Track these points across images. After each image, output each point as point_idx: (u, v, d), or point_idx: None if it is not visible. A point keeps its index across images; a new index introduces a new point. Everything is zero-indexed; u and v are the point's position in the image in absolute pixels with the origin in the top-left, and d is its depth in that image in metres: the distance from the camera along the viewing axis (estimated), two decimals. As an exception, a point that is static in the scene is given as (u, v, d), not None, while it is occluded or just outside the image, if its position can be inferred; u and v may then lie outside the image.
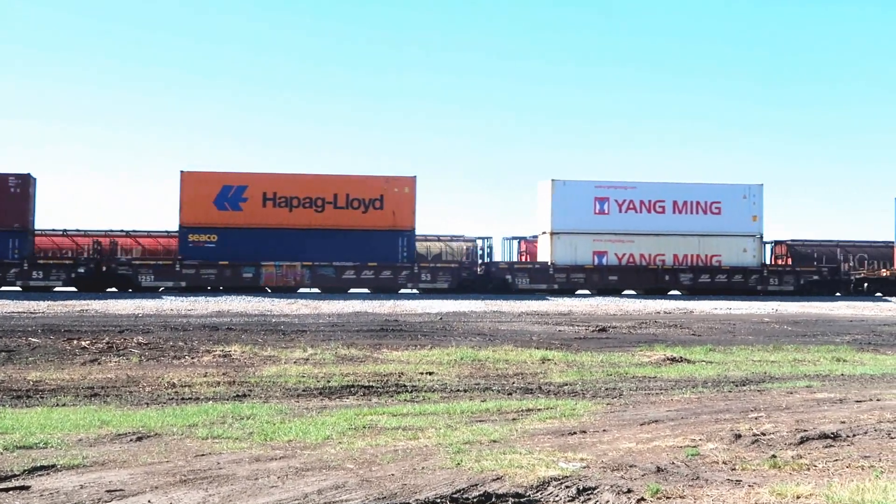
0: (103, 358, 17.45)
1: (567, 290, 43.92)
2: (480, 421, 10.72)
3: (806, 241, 48.66)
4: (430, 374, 15.57)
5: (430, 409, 11.68)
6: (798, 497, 6.78)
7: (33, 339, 20.41)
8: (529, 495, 7.00)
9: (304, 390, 13.57)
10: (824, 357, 19.01)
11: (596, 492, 7.05)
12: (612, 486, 7.14)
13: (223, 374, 15.33)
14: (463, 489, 7.11)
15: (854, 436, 9.41)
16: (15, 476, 7.70)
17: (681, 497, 6.90)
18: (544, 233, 44.32)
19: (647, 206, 43.97)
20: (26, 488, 7.26)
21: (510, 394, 13.45)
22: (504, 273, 44.16)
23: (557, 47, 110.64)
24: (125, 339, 20.58)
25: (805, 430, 9.60)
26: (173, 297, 38.74)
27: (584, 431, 9.97)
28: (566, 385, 14.41)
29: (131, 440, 9.40)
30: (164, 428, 10.07)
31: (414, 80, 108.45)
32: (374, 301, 38.81)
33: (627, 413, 11.45)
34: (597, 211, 43.58)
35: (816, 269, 45.75)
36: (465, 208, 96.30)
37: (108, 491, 7.16)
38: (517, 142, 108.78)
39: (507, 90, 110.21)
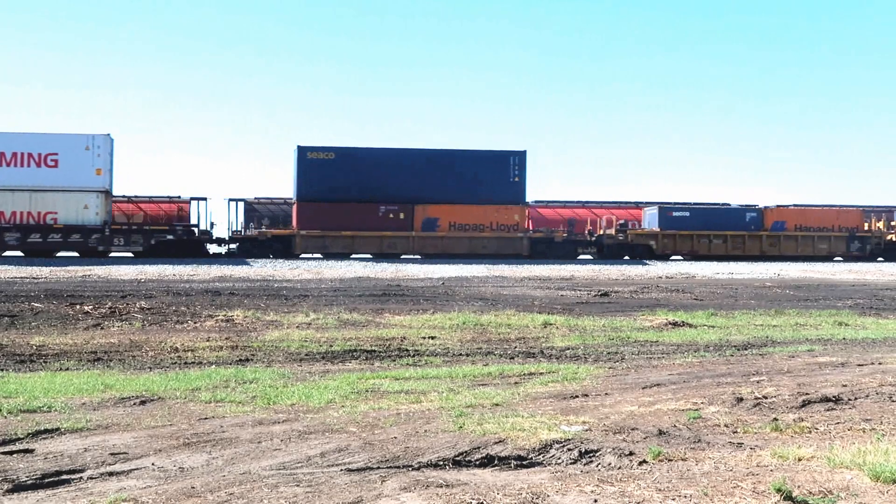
0: (106, 323, 17.48)
1: None
2: (483, 385, 10.74)
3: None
4: (433, 338, 15.60)
5: (432, 373, 11.70)
6: (799, 460, 6.80)
7: (36, 304, 20.45)
8: (532, 458, 7.02)
9: (306, 355, 13.60)
10: (826, 321, 19.02)
11: (598, 454, 7.07)
12: (613, 449, 7.16)
13: (226, 338, 15.36)
14: (465, 452, 7.13)
15: (856, 399, 9.42)
16: (19, 439, 7.73)
17: (682, 460, 6.91)
18: None
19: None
20: (30, 451, 7.29)
21: (512, 358, 13.47)
22: None
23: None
24: (128, 304, 20.61)
25: (807, 394, 9.61)
26: (175, 263, 38.76)
27: (586, 395, 9.98)
28: (568, 349, 14.43)
29: (135, 404, 9.42)
30: (167, 392, 10.10)
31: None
32: (376, 266, 38.83)
33: (629, 377, 11.47)
34: None
35: (170, 229, 43.90)
36: None
37: (111, 454, 7.18)
38: None
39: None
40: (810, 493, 5.86)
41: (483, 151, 46.92)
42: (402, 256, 45.35)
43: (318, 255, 45.43)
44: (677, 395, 9.88)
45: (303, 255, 44.71)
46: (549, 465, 6.88)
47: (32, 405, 9.14)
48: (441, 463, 6.86)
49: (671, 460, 6.89)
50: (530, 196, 49.04)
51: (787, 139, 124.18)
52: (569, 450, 7.17)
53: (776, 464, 6.71)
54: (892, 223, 52.47)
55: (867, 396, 9.56)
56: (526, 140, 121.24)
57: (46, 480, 6.44)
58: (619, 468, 6.70)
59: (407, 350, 14.15)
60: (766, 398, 9.46)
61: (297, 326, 17.08)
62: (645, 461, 6.85)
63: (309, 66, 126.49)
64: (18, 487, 6.25)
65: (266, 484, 6.20)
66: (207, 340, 15.06)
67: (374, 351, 14.00)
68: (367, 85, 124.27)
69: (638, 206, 52.01)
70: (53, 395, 9.79)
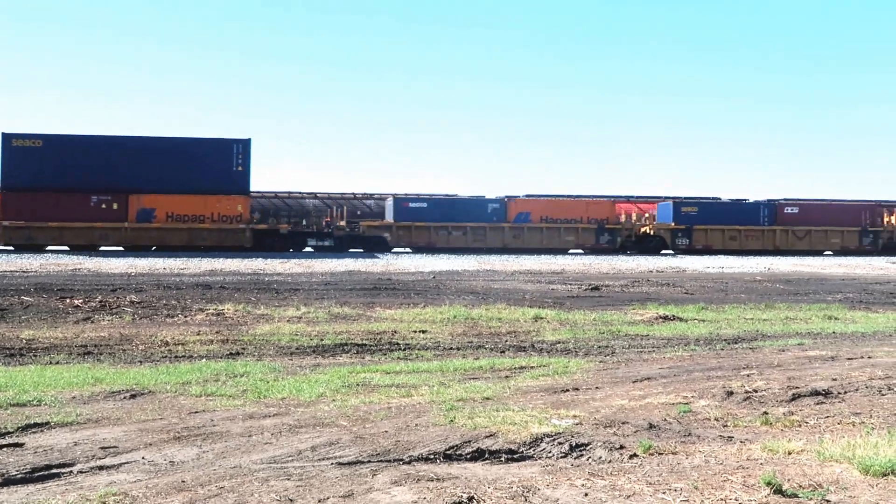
0: (96, 316, 17.44)
1: None
2: (473, 378, 10.74)
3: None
4: (424, 332, 15.60)
5: (423, 366, 11.70)
6: (789, 453, 6.81)
7: (26, 298, 20.39)
8: (522, 451, 7.03)
9: (297, 348, 13.59)
10: (816, 315, 19.07)
11: (588, 448, 7.08)
12: (604, 443, 7.17)
13: (216, 332, 15.33)
14: (456, 446, 7.13)
15: (845, 393, 9.45)
16: (9, 433, 7.70)
17: (673, 453, 6.92)
18: None
19: None
20: (20, 445, 7.26)
21: (503, 352, 13.48)
22: None
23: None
24: (118, 298, 20.56)
25: (797, 388, 9.64)
26: (165, 256, 38.70)
27: (577, 389, 10.00)
28: (559, 343, 14.44)
29: (125, 398, 9.41)
30: (157, 385, 10.08)
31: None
32: (366, 260, 38.82)
33: (620, 370, 11.48)
34: None
35: None
36: None
37: (101, 448, 7.17)
38: None
39: None
40: (800, 486, 5.88)
41: (204, 139, 45.69)
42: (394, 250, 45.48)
43: (308, 249, 45.49)
44: (668, 388, 9.90)
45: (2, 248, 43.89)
46: (539, 458, 6.89)
47: (22, 399, 9.12)
48: (432, 457, 6.86)
49: (662, 454, 6.90)
50: (268, 185, 48.25)
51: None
52: (559, 443, 7.17)
53: (766, 457, 6.73)
54: (646, 216, 51.82)
55: (857, 390, 9.59)
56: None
57: (36, 474, 6.42)
58: (610, 462, 6.71)
59: (398, 344, 14.14)
60: (756, 392, 9.49)
61: (288, 320, 17.06)
62: (635, 455, 6.86)
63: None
64: (8, 482, 6.23)
65: (257, 478, 6.19)
66: (198, 334, 15.03)
67: (365, 345, 14.00)
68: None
69: (383, 197, 50.49)
70: (43, 388, 9.76)
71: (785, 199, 52.77)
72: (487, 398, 9.28)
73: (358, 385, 10.16)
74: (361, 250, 46.81)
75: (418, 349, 13.60)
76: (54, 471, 6.52)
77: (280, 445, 7.25)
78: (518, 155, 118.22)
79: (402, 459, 6.77)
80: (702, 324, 17.31)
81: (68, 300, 19.99)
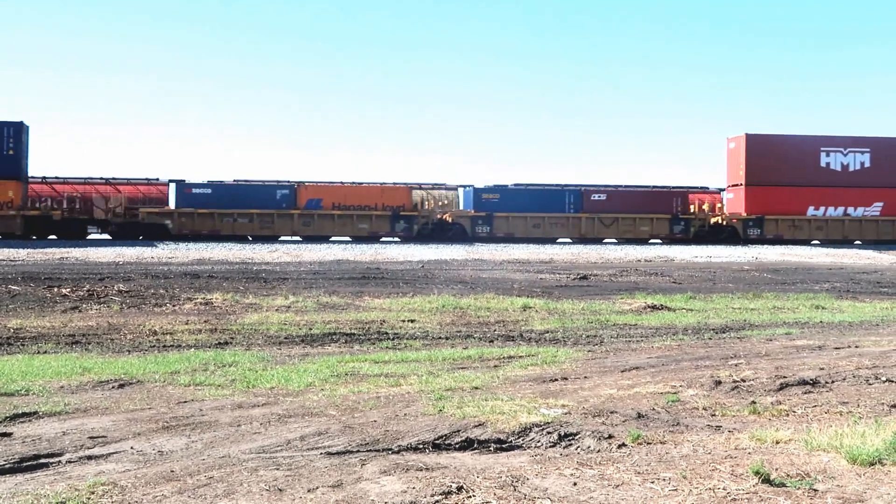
0: (84, 305, 17.40)
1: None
2: (462, 368, 10.75)
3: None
4: (412, 321, 15.60)
5: (411, 356, 11.71)
6: (777, 442, 6.84)
7: (13, 287, 20.32)
8: (511, 441, 7.04)
9: (285, 338, 13.58)
10: (803, 304, 19.14)
11: (577, 437, 7.09)
12: (593, 432, 7.19)
13: (205, 321, 15.31)
14: (445, 435, 7.14)
15: (833, 382, 9.48)
16: (-4, 423, 7.68)
17: (661, 443, 6.94)
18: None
19: None
20: (8, 435, 7.24)
21: (492, 341, 13.49)
22: None
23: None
24: (106, 287, 20.50)
25: (784, 377, 9.67)
26: (154, 245, 38.60)
27: (566, 378, 10.01)
28: (547, 332, 14.46)
29: (113, 387, 9.39)
30: (146, 375, 10.06)
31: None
32: (355, 249, 38.81)
33: (608, 360, 11.51)
34: None
35: None
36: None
37: (90, 437, 7.16)
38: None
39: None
40: (788, 475, 5.90)
41: None
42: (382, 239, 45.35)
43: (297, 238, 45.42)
44: (656, 378, 9.92)
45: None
46: (528, 448, 6.90)
47: (10, 388, 9.09)
48: (421, 446, 6.87)
49: (650, 443, 6.92)
50: (49, 172, 46.28)
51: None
52: (548, 433, 7.19)
53: (754, 446, 6.76)
54: (441, 203, 50.24)
55: (844, 379, 9.63)
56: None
57: (25, 464, 6.40)
58: (599, 451, 6.73)
59: (387, 333, 14.14)
60: (744, 381, 9.52)
61: (277, 309, 17.05)
62: (624, 444, 6.88)
63: None
64: (-4, 471, 6.22)
65: (246, 467, 6.19)
66: (186, 323, 15.01)
67: (354, 334, 13.99)
68: None
69: (164, 183, 48.19)
70: (31, 378, 9.74)
71: (593, 186, 51.05)
72: (476, 388, 9.29)
73: (347, 374, 10.16)
74: (141, 238, 45.13)
75: (407, 339, 13.61)
76: (43, 460, 6.50)
77: (269, 435, 7.25)
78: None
79: (391, 449, 6.77)
80: (690, 313, 17.36)
81: (56, 289, 19.93)
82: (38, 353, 12.00)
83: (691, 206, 51.49)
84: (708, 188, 54.95)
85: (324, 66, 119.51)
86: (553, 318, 16.24)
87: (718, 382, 9.43)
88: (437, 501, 5.42)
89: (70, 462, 6.49)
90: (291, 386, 9.42)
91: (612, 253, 39.70)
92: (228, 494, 5.57)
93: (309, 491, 5.63)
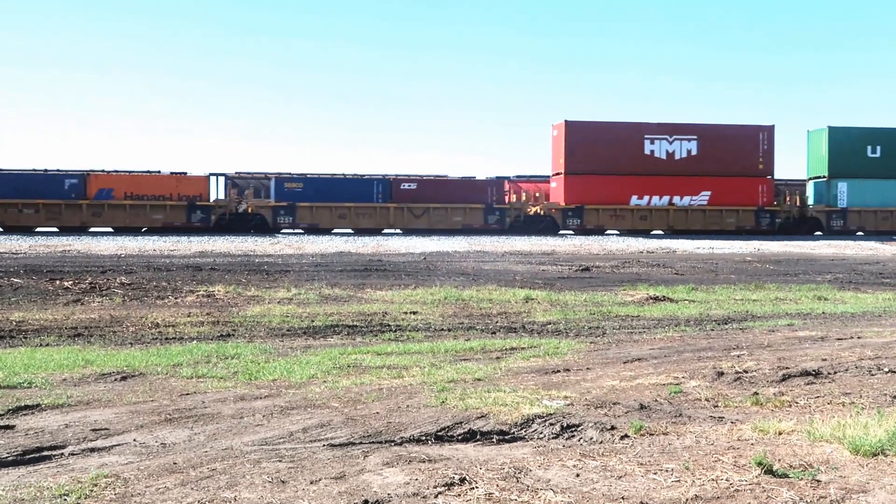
0: (86, 298, 17.40)
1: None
2: (465, 360, 10.75)
3: None
4: (414, 313, 15.60)
5: (414, 348, 11.71)
6: (780, 433, 6.84)
7: (16, 280, 20.33)
8: (514, 432, 7.04)
9: (288, 330, 13.58)
10: (806, 296, 19.13)
11: (580, 429, 7.09)
12: (595, 423, 7.19)
13: (207, 314, 15.32)
14: (447, 427, 7.14)
15: (835, 373, 9.48)
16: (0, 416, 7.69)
17: (664, 434, 6.94)
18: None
19: None
20: (11, 427, 7.25)
21: (494, 333, 13.49)
22: None
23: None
24: (108, 280, 20.52)
25: (787, 368, 9.67)
26: (156, 238, 38.62)
27: (568, 370, 10.01)
28: (550, 324, 14.46)
29: (115, 380, 9.39)
30: (148, 367, 10.07)
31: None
32: (357, 241, 38.82)
33: (611, 351, 11.51)
34: None
35: None
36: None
37: (93, 430, 7.16)
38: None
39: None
40: (791, 466, 5.90)
41: None
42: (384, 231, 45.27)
43: (300, 231, 45.34)
44: (658, 369, 9.92)
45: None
46: (531, 439, 6.90)
47: (12, 381, 9.10)
48: (423, 438, 6.87)
49: (653, 434, 6.92)
50: None
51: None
52: (551, 424, 7.19)
53: (757, 437, 6.76)
54: (245, 192, 47.88)
55: (847, 370, 9.63)
56: None
57: (28, 457, 6.41)
58: (601, 443, 6.73)
59: (389, 325, 14.15)
60: (746, 372, 9.51)
61: (279, 302, 17.05)
62: (627, 435, 6.88)
63: None
64: (-1, 464, 6.23)
65: (248, 459, 6.19)
66: (188, 316, 15.01)
67: (356, 326, 14.00)
68: None
69: None
70: (34, 370, 9.75)
71: (404, 175, 49.21)
72: (479, 379, 9.29)
73: (349, 366, 10.16)
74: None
75: (409, 330, 13.60)
76: (45, 453, 6.51)
77: (271, 427, 7.25)
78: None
79: (393, 441, 6.77)
80: (692, 304, 17.35)
81: (58, 282, 19.94)
82: (41, 345, 12.01)
83: (508, 196, 49.40)
84: (547, 177, 51.97)
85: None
86: (555, 310, 16.23)
87: (721, 373, 9.43)
88: (440, 493, 5.43)
89: (73, 454, 6.49)
90: (294, 378, 9.42)
91: (614, 244, 39.69)
92: (231, 486, 5.57)
93: (312, 483, 5.63)
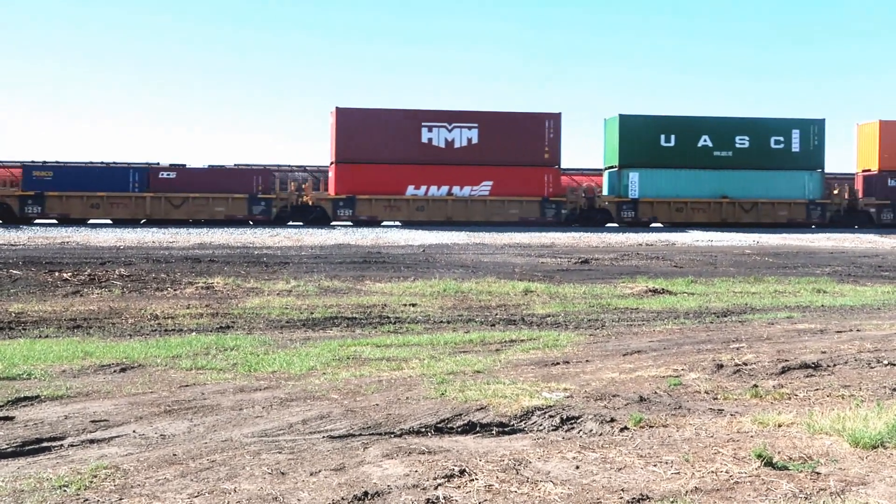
0: (85, 290, 17.39)
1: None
2: (464, 352, 10.75)
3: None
4: (414, 305, 15.60)
5: (413, 340, 11.71)
6: (779, 426, 6.85)
7: (14, 271, 20.32)
8: (513, 424, 7.04)
9: (287, 322, 13.58)
10: (805, 288, 19.12)
11: (579, 421, 7.09)
12: (595, 416, 7.19)
13: (206, 305, 15.31)
14: (447, 419, 7.14)
15: (834, 365, 9.48)
16: (-1, 407, 7.69)
17: (663, 426, 6.95)
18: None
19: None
20: (10, 419, 7.25)
21: (493, 325, 13.49)
22: None
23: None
24: (107, 272, 20.50)
25: (786, 360, 9.67)
26: (154, 230, 38.59)
27: (567, 362, 10.01)
28: (549, 316, 14.46)
29: (115, 371, 9.39)
30: (147, 359, 10.07)
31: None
32: (356, 233, 38.81)
33: (610, 344, 11.51)
34: None
35: None
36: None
37: (92, 421, 7.16)
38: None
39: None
40: (790, 458, 5.91)
41: None
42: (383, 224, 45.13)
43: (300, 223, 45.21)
44: (658, 361, 9.92)
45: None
46: (530, 431, 6.90)
47: (12, 372, 9.10)
48: (423, 430, 6.87)
49: (652, 427, 6.92)
50: None
51: None
52: (550, 416, 7.19)
53: (756, 430, 6.76)
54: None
55: (846, 363, 9.63)
56: None
57: (27, 448, 6.41)
58: (601, 435, 6.73)
59: (388, 317, 14.14)
60: (745, 365, 9.52)
61: (278, 293, 17.04)
62: (626, 428, 6.89)
63: None
64: (-1, 455, 6.23)
65: (248, 451, 6.19)
66: (188, 308, 15.01)
67: (356, 318, 13.99)
68: None
69: None
70: (33, 362, 9.74)
71: (167, 164, 47.85)
72: (478, 371, 9.29)
73: (348, 358, 10.16)
74: None
75: (409, 322, 13.60)
76: (45, 444, 6.51)
77: (271, 419, 7.26)
78: None
79: (393, 433, 6.78)
80: (691, 297, 17.35)
81: (57, 273, 19.92)
82: (40, 337, 12.00)
83: (277, 186, 47.33)
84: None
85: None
86: (554, 302, 16.23)
87: (720, 366, 9.43)
88: (440, 485, 5.43)
89: (72, 446, 6.49)
90: (293, 370, 9.42)
91: (614, 237, 39.68)
92: (231, 478, 5.58)
93: (311, 474, 5.64)
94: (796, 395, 8.15)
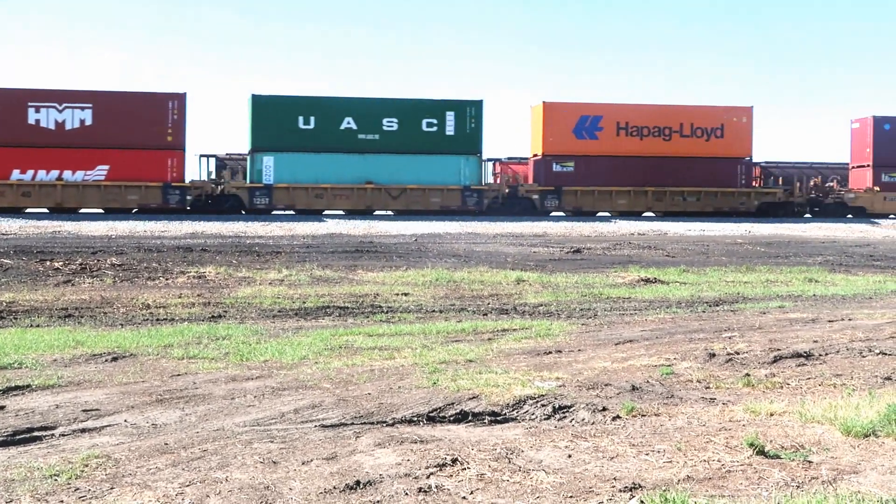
0: (77, 279, 17.35)
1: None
2: (456, 341, 10.75)
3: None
4: (406, 295, 15.59)
5: (405, 329, 11.70)
6: (771, 414, 6.85)
7: (5, 261, 20.25)
8: (506, 414, 7.04)
9: (279, 311, 13.56)
10: (797, 278, 19.16)
11: (571, 410, 7.10)
12: (587, 405, 7.19)
13: (198, 295, 15.28)
14: (439, 408, 7.14)
15: (826, 355, 9.50)
16: (-11, 396, 7.66)
17: (656, 415, 6.95)
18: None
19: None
20: (1, 408, 7.23)
21: (485, 314, 13.49)
22: None
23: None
24: (98, 261, 20.45)
25: (778, 350, 9.69)
26: (146, 219, 38.48)
27: (560, 351, 10.02)
28: (541, 306, 14.46)
29: (106, 361, 9.36)
30: (139, 348, 10.05)
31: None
32: (348, 222, 38.74)
33: (602, 333, 11.52)
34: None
35: None
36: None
37: (83, 410, 7.14)
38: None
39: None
40: (782, 447, 5.91)
41: None
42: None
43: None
44: (650, 351, 9.93)
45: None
46: (523, 420, 6.90)
47: (3, 362, 9.07)
48: (415, 419, 6.87)
49: (644, 416, 6.93)
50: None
51: None
52: (542, 406, 7.19)
53: (748, 419, 6.77)
54: None
55: (838, 352, 9.65)
56: None
57: (18, 437, 6.39)
58: (593, 424, 6.73)
59: (380, 307, 14.13)
60: (738, 354, 9.53)
61: (270, 283, 17.02)
62: (618, 417, 6.89)
63: None
64: (-11, 444, 6.21)
65: (240, 440, 6.18)
66: (179, 297, 14.98)
67: (348, 307, 13.98)
68: None
69: None
70: (24, 351, 9.71)
71: None
72: (470, 360, 9.28)
73: (341, 348, 10.16)
74: None
75: (401, 312, 13.60)
76: (36, 433, 6.49)
77: (263, 408, 7.24)
78: None
79: (385, 422, 6.77)
80: (683, 286, 17.37)
81: (48, 263, 19.86)
82: (31, 326, 11.97)
83: None
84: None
85: None
86: (547, 292, 16.24)
87: (712, 355, 9.44)
88: (432, 473, 5.42)
89: (63, 435, 6.47)
90: (285, 359, 9.41)
91: (606, 226, 39.69)
92: (223, 467, 5.56)
93: (303, 463, 5.63)
94: (788, 384, 8.16)
